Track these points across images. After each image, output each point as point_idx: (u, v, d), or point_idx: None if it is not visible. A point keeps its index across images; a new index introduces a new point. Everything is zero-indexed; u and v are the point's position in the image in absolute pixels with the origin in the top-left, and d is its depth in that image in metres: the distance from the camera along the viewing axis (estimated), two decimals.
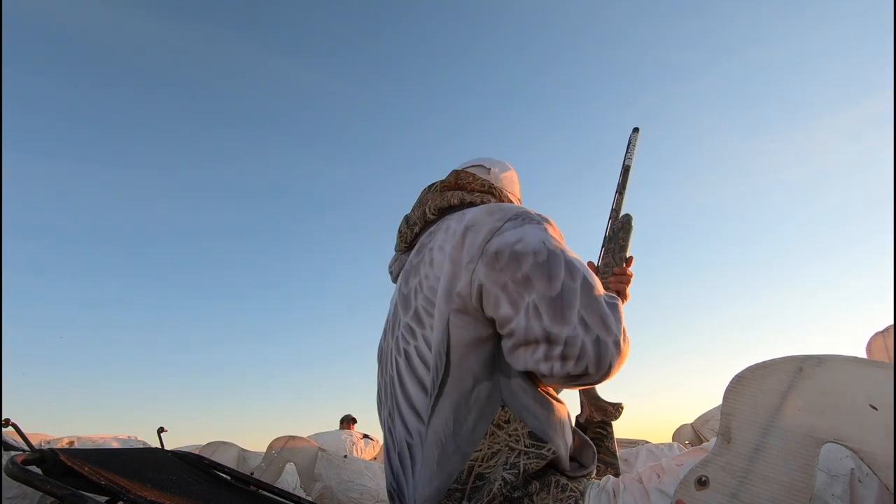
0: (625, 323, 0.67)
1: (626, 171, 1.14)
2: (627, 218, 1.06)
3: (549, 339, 0.61)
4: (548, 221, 0.71)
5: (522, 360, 0.64)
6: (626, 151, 1.16)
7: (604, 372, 0.62)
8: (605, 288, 0.97)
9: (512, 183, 1.01)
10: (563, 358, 0.61)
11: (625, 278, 1.00)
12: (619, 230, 1.06)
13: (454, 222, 0.75)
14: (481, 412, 0.66)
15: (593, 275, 0.67)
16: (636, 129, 1.19)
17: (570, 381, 0.63)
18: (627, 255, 1.03)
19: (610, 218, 1.10)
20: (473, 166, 1.02)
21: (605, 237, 1.08)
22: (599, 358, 0.61)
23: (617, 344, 0.62)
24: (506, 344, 0.67)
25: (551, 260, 0.64)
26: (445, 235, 0.74)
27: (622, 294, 0.99)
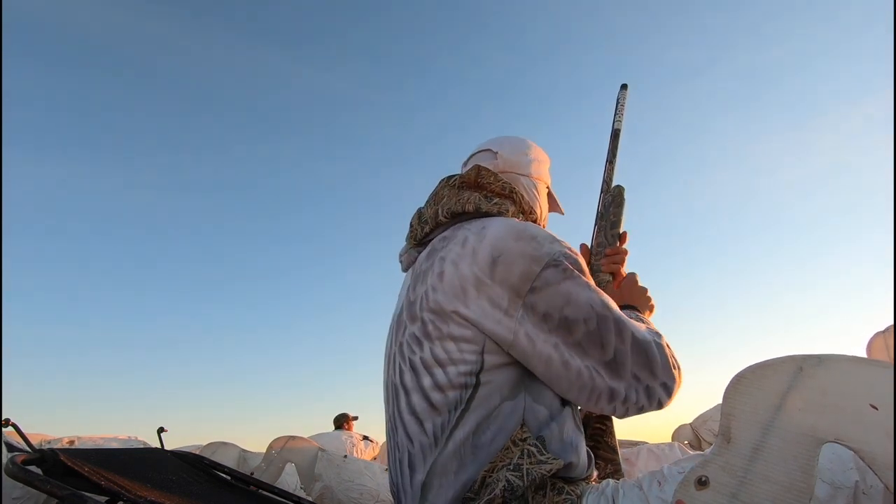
0: (670, 350, 0.74)
1: (615, 135, 1.04)
2: (619, 190, 0.99)
3: (612, 393, 0.69)
4: (576, 264, 0.72)
5: (586, 405, 0.71)
6: (615, 113, 1.05)
7: (657, 406, 0.71)
8: (598, 271, 0.96)
9: (525, 164, 0.95)
10: (625, 404, 0.69)
11: (618, 258, 0.95)
12: (609, 204, 0.99)
13: (472, 236, 0.72)
14: (501, 426, 0.67)
15: (631, 323, 0.71)
16: (624, 86, 1.07)
17: (636, 414, 0.72)
18: (620, 231, 0.97)
19: (601, 191, 1.02)
20: (483, 151, 0.97)
21: (598, 213, 1.01)
22: (650, 399, 0.70)
23: (664, 385, 0.71)
24: (559, 385, 0.70)
25: (601, 326, 0.68)
26: (462, 250, 0.71)
27: (616, 275, 0.95)
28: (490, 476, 0.65)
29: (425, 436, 0.69)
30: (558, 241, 0.73)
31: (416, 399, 0.70)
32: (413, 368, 0.72)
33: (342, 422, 3.96)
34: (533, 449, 0.66)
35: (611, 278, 0.95)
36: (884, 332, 1.70)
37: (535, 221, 0.87)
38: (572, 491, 0.66)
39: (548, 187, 1.00)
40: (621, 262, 0.95)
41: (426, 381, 0.70)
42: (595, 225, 1.01)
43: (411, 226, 0.89)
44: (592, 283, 0.72)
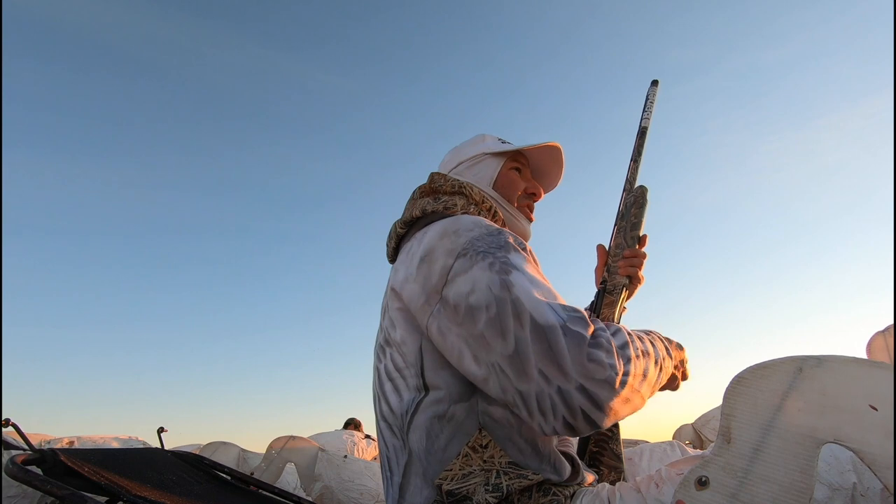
0: (601, 335, 0.58)
1: (641, 133, 0.99)
2: (641, 191, 0.94)
3: (523, 398, 0.58)
4: (498, 248, 0.66)
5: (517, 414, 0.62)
6: (643, 110, 1.01)
7: (586, 423, 0.56)
8: (615, 273, 0.92)
9: (446, 165, 0.96)
10: (542, 413, 0.57)
11: (636, 260, 0.92)
12: (631, 205, 0.94)
13: (416, 243, 0.74)
14: (455, 431, 0.66)
15: (543, 301, 0.60)
16: (654, 82, 1.03)
17: (565, 433, 0.58)
18: (641, 234, 0.93)
19: (624, 190, 0.97)
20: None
21: (619, 213, 0.96)
22: (569, 407, 0.55)
23: (584, 390, 0.55)
24: (478, 384, 0.64)
25: (500, 311, 0.59)
26: (407, 257, 0.74)
27: (634, 278, 0.92)
28: (451, 483, 0.64)
29: (396, 439, 0.71)
30: (481, 225, 0.70)
31: (384, 405, 0.73)
32: (379, 376, 0.75)
33: (349, 425, 3.96)
34: (510, 469, 0.64)
35: (628, 281, 0.92)
36: (884, 331, 1.69)
37: (489, 208, 0.86)
38: (560, 492, 0.65)
39: (486, 155, 0.94)
40: (639, 266, 0.92)
41: (388, 387, 0.73)
42: (615, 225, 0.97)
43: (386, 243, 0.91)
44: (517, 255, 0.66)
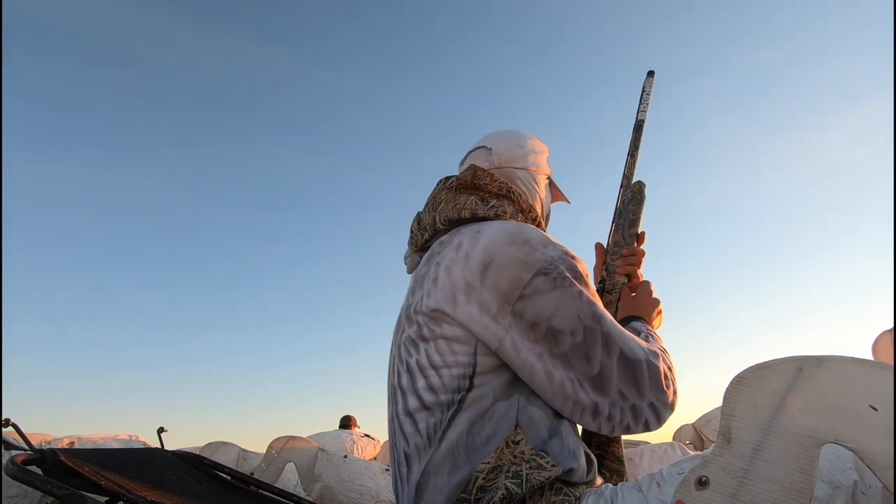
0: (666, 369, 0.70)
1: (638, 127, 0.97)
2: (638, 187, 0.92)
3: (596, 409, 0.67)
4: (580, 278, 0.70)
5: (570, 417, 0.70)
6: (640, 102, 0.98)
7: (644, 428, 0.69)
8: (613, 272, 0.93)
9: (522, 157, 0.92)
10: (610, 421, 0.68)
11: (634, 259, 0.90)
12: (629, 202, 0.92)
13: (467, 241, 0.72)
14: (496, 427, 0.67)
15: (630, 337, 0.69)
16: (651, 73, 1.01)
17: (621, 434, 0.70)
18: (639, 231, 0.91)
19: (621, 186, 0.95)
20: (478, 149, 0.95)
21: (616, 210, 0.95)
22: (637, 419, 0.68)
23: (653, 406, 0.68)
24: (543, 395, 0.69)
25: (588, 339, 0.67)
26: (456, 255, 0.72)
27: (632, 277, 0.91)
28: (485, 478, 0.65)
29: (419, 436, 0.69)
30: (553, 244, 0.71)
31: (412, 400, 0.71)
32: (409, 371, 0.73)
33: (347, 424, 3.96)
34: (533, 455, 0.65)
35: (626, 280, 0.91)
36: (889, 330, 1.68)
37: (534, 219, 0.85)
38: (571, 492, 0.66)
39: (548, 177, 0.97)
40: (638, 264, 0.91)
41: (420, 384, 0.70)
42: (612, 222, 0.95)
43: (412, 231, 0.88)
44: (590, 289, 0.71)
